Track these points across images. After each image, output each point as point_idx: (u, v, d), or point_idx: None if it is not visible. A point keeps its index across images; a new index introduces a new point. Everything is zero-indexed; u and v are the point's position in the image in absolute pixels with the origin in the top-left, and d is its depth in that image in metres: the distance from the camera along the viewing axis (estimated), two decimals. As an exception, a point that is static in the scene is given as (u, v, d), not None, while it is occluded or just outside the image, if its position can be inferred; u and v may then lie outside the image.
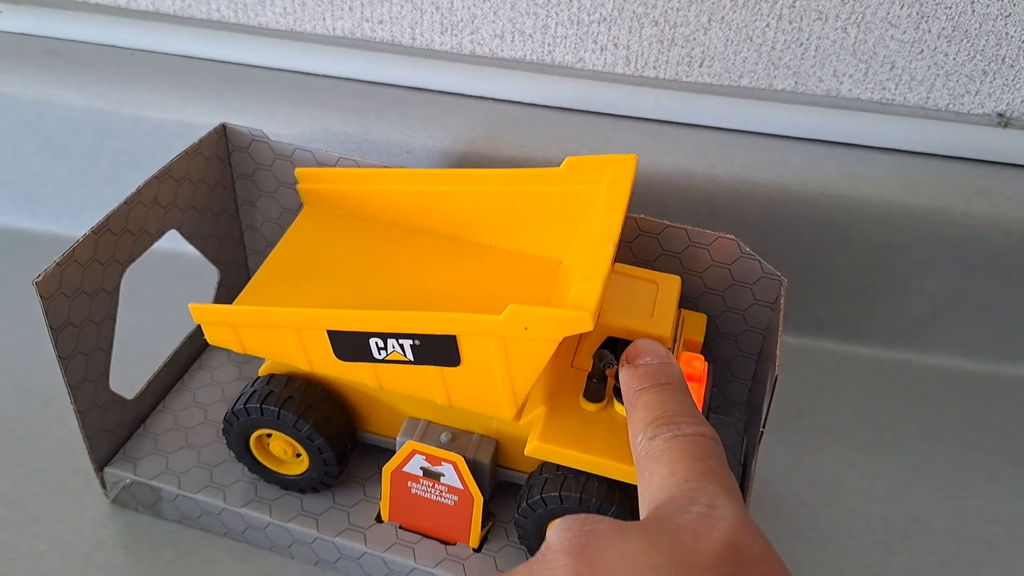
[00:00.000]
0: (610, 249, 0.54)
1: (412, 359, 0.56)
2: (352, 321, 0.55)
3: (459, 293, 0.62)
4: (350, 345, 0.56)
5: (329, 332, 0.56)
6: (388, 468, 0.60)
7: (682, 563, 0.36)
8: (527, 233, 0.65)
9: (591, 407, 0.57)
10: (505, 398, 0.56)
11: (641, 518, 0.42)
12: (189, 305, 0.58)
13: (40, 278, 0.55)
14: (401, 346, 0.55)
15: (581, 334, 0.58)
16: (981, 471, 0.74)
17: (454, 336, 0.54)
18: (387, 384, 0.58)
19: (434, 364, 0.55)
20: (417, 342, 0.55)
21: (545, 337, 0.52)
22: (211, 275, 0.76)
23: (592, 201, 0.62)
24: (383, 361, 0.56)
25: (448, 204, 0.66)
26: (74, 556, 0.63)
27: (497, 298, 0.61)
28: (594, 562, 0.36)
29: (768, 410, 0.56)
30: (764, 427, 0.57)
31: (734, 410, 0.72)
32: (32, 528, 0.65)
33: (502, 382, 0.55)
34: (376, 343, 0.55)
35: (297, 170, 0.67)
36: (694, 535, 0.37)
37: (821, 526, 0.69)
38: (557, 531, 0.39)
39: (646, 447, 0.44)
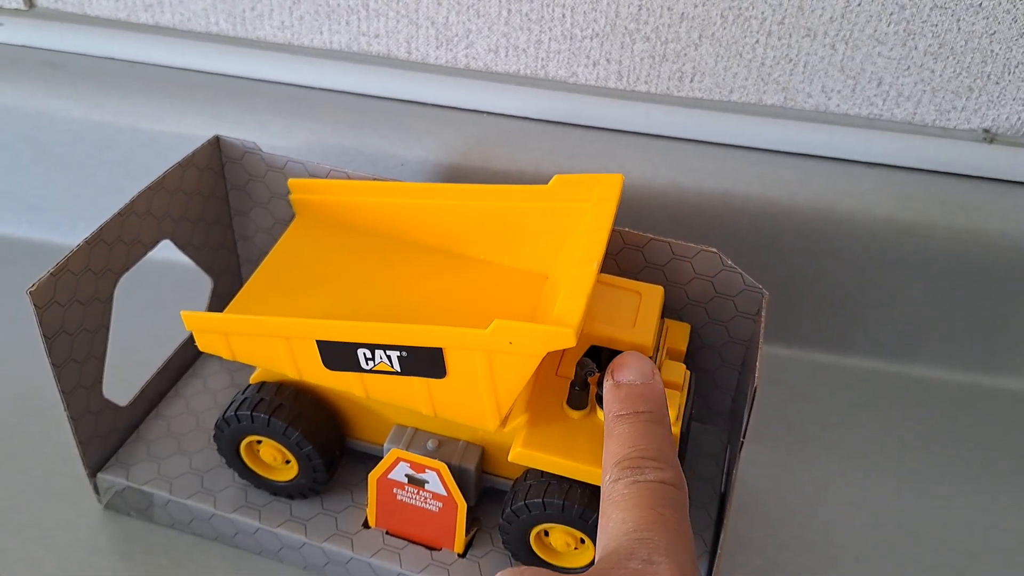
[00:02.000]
0: (594, 267, 0.55)
1: (399, 370, 0.56)
2: (340, 332, 0.56)
3: (447, 306, 0.63)
4: (338, 355, 0.57)
5: (318, 342, 0.57)
6: (374, 475, 0.61)
7: None
8: (515, 247, 0.66)
9: (574, 414, 0.58)
10: (489, 409, 0.57)
11: (595, 562, 0.43)
12: (181, 313, 0.59)
13: (34, 288, 0.56)
14: (388, 357, 0.56)
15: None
16: (965, 480, 0.74)
17: (440, 348, 0.54)
18: (374, 393, 0.59)
19: (420, 375, 0.56)
20: (404, 353, 0.55)
21: (529, 352, 0.53)
22: (205, 284, 0.77)
23: (579, 219, 0.63)
24: (370, 371, 0.57)
25: (438, 217, 0.67)
26: (70, 561, 0.64)
27: (484, 311, 0.62)
28: None
29: (748, 421, 0.57)
30: (744, 437, 0.57)
31: (718, 420, 0.73)
32: (29, 534, 0.66)
33: (486, 394, 0.56)
34: (364, 354, 0.56)
35: (290, 180, 0.68)
36: None
37: (808, 535, 0.69)
38: None
39: (609, 490, 0.46)
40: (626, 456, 0.47)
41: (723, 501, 0.66)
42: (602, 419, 0.57)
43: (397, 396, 0.58)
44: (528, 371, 0.54)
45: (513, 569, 0.41)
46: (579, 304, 0.52)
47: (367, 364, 0.57)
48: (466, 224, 0.66)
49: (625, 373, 0.51)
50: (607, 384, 0.52)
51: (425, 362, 0.55)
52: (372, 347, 0.56)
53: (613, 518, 0.44)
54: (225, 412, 0.63)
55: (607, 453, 0.48)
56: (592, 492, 0.57)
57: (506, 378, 0.55)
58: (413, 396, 0.58)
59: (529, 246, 0.65)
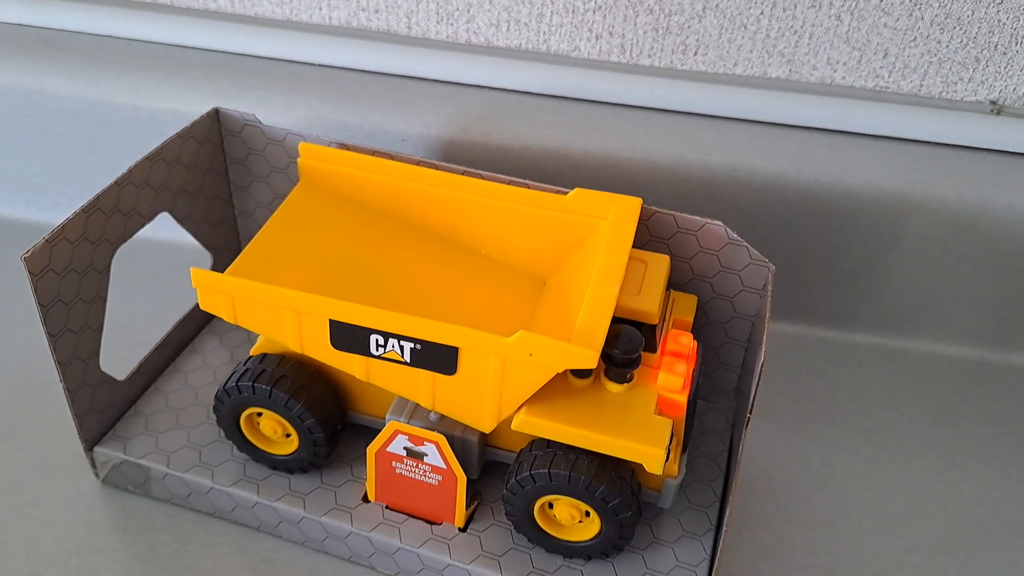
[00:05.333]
0: (615, 290, 0.56)
1: (408, 361, 0.56)
2: (358, 315, 0.55)
3: (451, 299, 0.63)
4: (349, 337, 0.56)
5: (331, 321, 0.56)
6: (372, 448, 0.60)
7: None
8: (520, 249, 0.65)
9: (579, 383, 0.57)
10: (489, 412, 0.57)
11: None
12: (191, 269, 0.58)
13: (29, 254, 0.55)
14: (401, 347, 0.55)
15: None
16: (973, 455, 0.74)
17: (457, 348, 0.54)
18: (375, 379, 0.58)
19: (429, 369, 0.56)
20: (418, 347, 0.55)
21: (546, 366, 0.53)
22: (204, 261, 0.76)
23: (590, 234, 0.63)
24: (378, 357, 0.56)
25: (448, 207, 0.66)
26: (70, 539, 0.64)
27: (487, 310, 0.62)
28: None
29: (755, 396, 0.56)
30: (751, 412, 0.56)
31: (723, 397, 0.72)
32: (28, 512, 0.65)
33: (491, 398, 0.56)
34: (376, 339, 0.56)
35: (301, 144, 0.66)
36: None
37: (815, 510, 0.69)
38: None
39: None
40: None
41: (728, 478, 0.65)
42: (609, 388, 0.57)
43: (399, 385, 0.58)
44: (539, 383, 0.54)
45: None
46: (602, 326, 0.53)
47: (377, 350, 0.56)
48: (476, 218, 0.66)
49: None
50: None
51: (437, 358, 0.55)
52: (387, 335, 0.55)
53: None
54: (226, 383, 0.62)
55: None
56: (600, 464, 0.56)
57: (515, 386, 0.55)
58: (416, 387, 0.57)
59: (534, 250, 0.65)
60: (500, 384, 0.55)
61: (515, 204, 0.64)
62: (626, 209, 0.62)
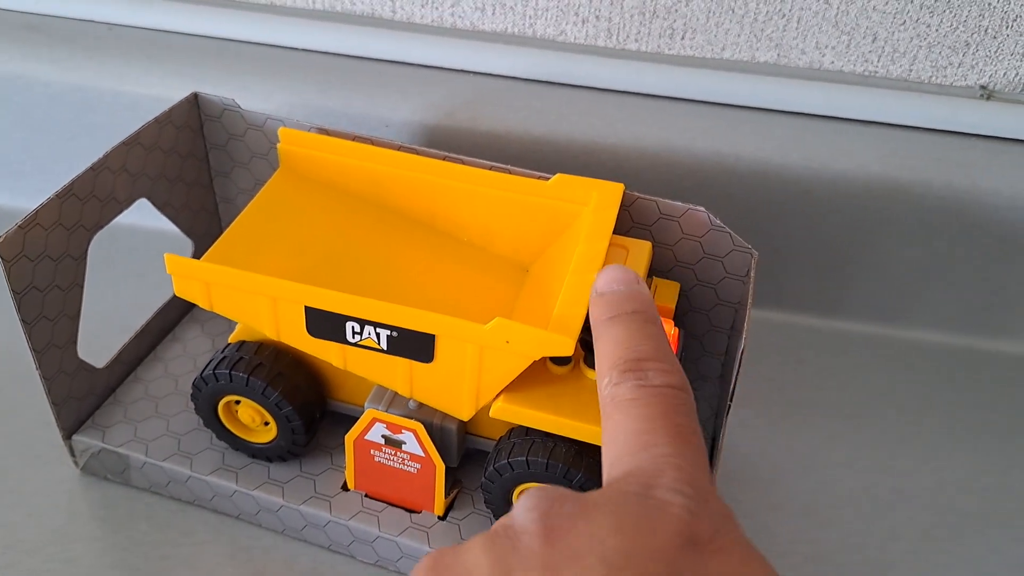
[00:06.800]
0: (594, 278, 0.54)
1: (385, 348, 0.55)
2: (333, 302, 0.55)
3: (432, 286, 0.62)
4: (325, 324, 0.56)
5: (307, 308, 0.56)
6: (351, 436, 0.60)
7: (643, 551, 0.33)
8: (502, 236, 0.65)
9: (558, 370, 0.56)
10: (467, 400, 0.56)
11: (604, 472, 0.39)
12: (165, 255, 0.57)
13: (1, 240, 0.54)
14: (377, 335, 0.55)
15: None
16: (960, 443, 0.73)
17: (433, 335, 0.54)
18: (353, 367, 0.58)
19: (406, 357, 0.56)
20: (395, 334, 0.55)
21: (523, 353, 0.53)
22: (186, 248, 0.75)
23: (572, 220, 0.62)
24: (354, 345, 0.56)
25: (430, 193, 0.65)
26: (49, 527, 0.63)
27: (469, 299, 0.62)
28: (558, 545, 0.34)
29: (735, 383, 0.55)
30: (731, 400, 0.56)
31: (707, 385, 0.71)
32: (6, 500, 0.65)
33: (469, 385, 0.55)
34: (352, 327, 0.55)
35: (280, 129, 0.66)
36: (655, 523, 0.34)
37: (800, 498, 0.68)
38: (522, 509, 0.36)
39: (611, 392, 0.40)
40: (626, 357, 0.41)
41: (712, 466, 0.65)
42: (588, 375, 0.56)
43: (376, 373, 0.57)
44: (516, 371, 0.54)
45: (539, 493, 0.36)
46: (580, 313, 0.53)
47: (353, 337, 0.56)
48: (457, 205, 0.65)
49: (608, 283, 0.46)
50: (591, 301, 0.46)
51: (414, 345, 0.55)
52: (362, 322, 0.55)
53: (624, 428, 0.39)
54: (203, 371, 0.61)
55: (601, 357, 0.42)
56: (577, 452, 0.55)
57: (493, 374, 0.54)
58: (393, 375, 0.57)
59: (516, 237, 0.65)
60: (478, 372, 0.54)
61: (496, 190, 0.64)
62: (608, 195, 0.62)
